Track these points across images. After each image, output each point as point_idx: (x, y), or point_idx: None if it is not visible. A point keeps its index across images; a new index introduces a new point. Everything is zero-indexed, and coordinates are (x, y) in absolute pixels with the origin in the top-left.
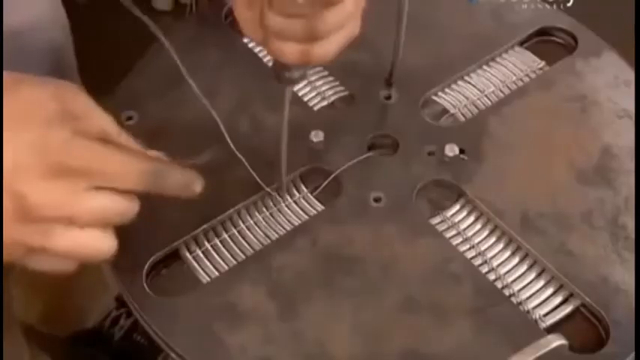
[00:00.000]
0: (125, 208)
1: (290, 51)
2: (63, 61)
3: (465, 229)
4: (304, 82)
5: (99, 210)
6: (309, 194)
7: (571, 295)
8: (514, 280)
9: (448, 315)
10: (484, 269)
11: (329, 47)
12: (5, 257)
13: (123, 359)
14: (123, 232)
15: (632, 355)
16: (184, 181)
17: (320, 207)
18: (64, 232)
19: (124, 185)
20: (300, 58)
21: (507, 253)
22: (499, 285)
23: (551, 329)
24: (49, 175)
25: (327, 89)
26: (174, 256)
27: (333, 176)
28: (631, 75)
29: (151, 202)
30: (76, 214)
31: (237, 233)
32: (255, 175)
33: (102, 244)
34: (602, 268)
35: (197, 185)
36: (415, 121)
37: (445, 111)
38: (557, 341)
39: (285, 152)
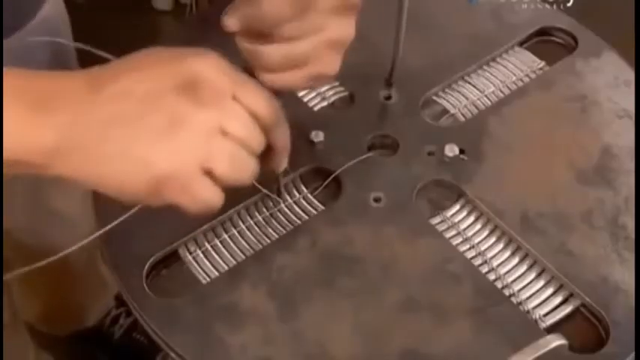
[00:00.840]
0: (260, 138)
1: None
2: (64, 54)
3: (465, 229)
4: None
5: (245, 120)
6: (309, 194)
7: (571, 295)
8: (514, 280)
9: (448, 315)
10: (484, 269)
11: (275, 79)
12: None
13: (122, 358)
14: (123, 232)
15: (632, 355)
16: (288, 146)
17: (320, 207)
18: (224, 143)
19: (260, 106)
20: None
21: (507, 253)
22: (499, 285)
23: (551, 329)
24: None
25: (327, 89)
26: (174, 256)
27: (333, 176)
28: (631, 75)
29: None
30: (227, 117)
31: (237, 234)
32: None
33: (250, 164)
34: (602, 268)
35: (284, 164)
36: (415, 121)
37: (445, 111)
38: (557, 341)
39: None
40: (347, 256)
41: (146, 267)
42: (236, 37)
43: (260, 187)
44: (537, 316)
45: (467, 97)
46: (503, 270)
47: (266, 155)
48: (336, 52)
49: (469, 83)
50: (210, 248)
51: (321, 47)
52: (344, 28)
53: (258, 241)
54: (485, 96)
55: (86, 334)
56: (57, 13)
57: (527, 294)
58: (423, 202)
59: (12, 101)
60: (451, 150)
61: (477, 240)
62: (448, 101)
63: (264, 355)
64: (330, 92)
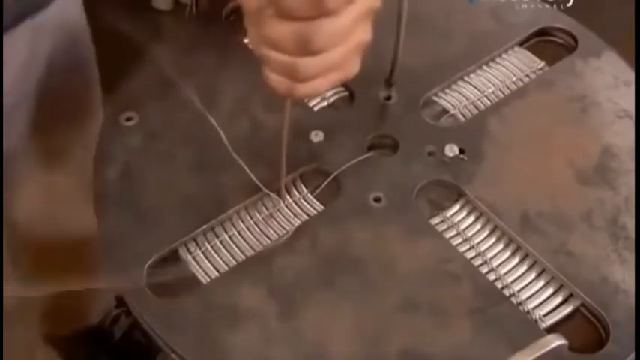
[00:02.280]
0: None
1: (276, 81)
2: (77, 31)
3: (465, 229)
4: None
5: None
6: (309, 194)
7: (571, 295)
8: (514, 280)
9: (448, 315)
10: (484, 269)
11: (311, 89)
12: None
13: (123, 358)
14: (123, 232)
15: (632, 355)
16: None
17: (320, 207)
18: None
19: None
20: (285, 92)
21: (507, 253)
22: (499, 285)
23: (551, 329)
24: None
25: None
26: (174, 256)
27: (333, 176)
28: (631, 75)
29: (151, 202)
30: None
31: (237, 234)
32: (253, 177)
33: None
34: (602, 268)
35: None
36: (415, 121)
37: (445, 111)
38: (557, 341)
39: (284, 157)
40: (347, 256)
41: (146, 267)
42: (264, 61)
43: (261, 186)
44: (537, 316)
45: (467, 97)
46: (503, 270)
47: None
48: (358, 55)
49: (469, 83)
50: (210, 248)
51: (351, 52)
52: (368, 32)
53: (258, 241)
54: (485, 96)
55: (86, 334)
56: None
57: (527, 294)
58: (423, 202)
59: None
60: (451, 150)
61: (477, 240)
62: (448, 101)
63: (264, 355)
64: (330, 92)
